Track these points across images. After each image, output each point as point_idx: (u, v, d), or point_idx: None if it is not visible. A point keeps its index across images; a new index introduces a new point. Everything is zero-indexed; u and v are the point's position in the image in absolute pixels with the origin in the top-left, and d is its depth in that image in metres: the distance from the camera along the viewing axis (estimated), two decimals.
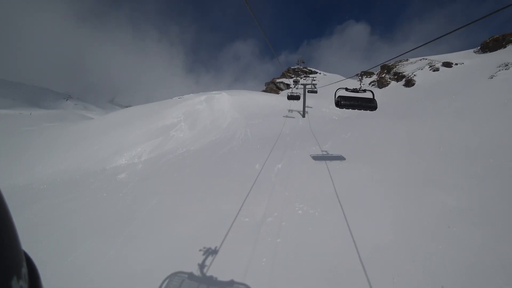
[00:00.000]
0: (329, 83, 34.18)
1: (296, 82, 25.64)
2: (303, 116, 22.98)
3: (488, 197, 6.27)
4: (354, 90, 6.45)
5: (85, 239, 5.90)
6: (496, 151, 9.87)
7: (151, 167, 11.88)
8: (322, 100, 31.40)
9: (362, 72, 6.10)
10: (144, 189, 8.75)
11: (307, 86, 24.55)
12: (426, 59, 41.33)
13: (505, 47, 33.99)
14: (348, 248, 4.78)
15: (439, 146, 11.07)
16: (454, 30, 3.11)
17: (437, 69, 34.57)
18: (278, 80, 61.42)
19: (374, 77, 46.37)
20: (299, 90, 33.89)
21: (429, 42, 3.84)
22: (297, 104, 26.81)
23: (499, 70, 26.11)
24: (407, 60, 44.71)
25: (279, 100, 30.37)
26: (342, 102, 6.08)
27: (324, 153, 10.84)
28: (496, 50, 34.67)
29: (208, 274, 4.31)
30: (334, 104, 6.44)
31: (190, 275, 4.30)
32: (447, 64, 34.67)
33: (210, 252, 4.81)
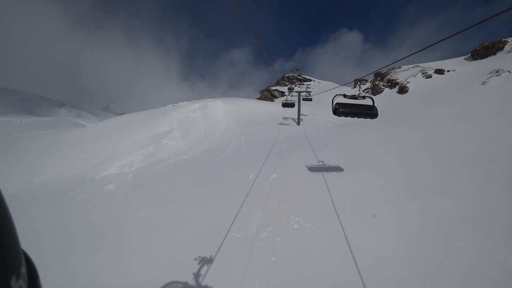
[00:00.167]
0: (324, 90, 34.18)
1: (290, 90, 25.53)
2: (298, 123, 22.80)
3: (490, 205, 6.02)
4: (353, 97, 6.00)
5: (62, 259, 5.48)
6: (494, 156, 9.73)
7: (141, 177, 11.45)
8: (317, 107, 31.34)
9: (360, 78, 5.77)
10: (132, 201, 8.32)
11: (302, 94, 24.43)
12: (418, 66, 41.88)
13: (495, 54, 34.70)
14: (348, 265, 4.44)
15: (437, 152, 10.92)
16: (446, 38, 3.18)
17: (430, 76, 35.01)
18: (272, 88, 61.50)
19: (368, 84, 46.71)
20: (293, 98, 33.89)
21: (421, 50, 3.81)
22: (292, 112, 26.67)
23: (491, 77, 26.50)
24: (399, 67, 45.22)
25: (274, 107, 30.21)
26: (340, 110, 5.65)
27: (320, 162, 10.54)
28: (486, 57, 35.37)
29: None
30: (332, 112, 6.01)
31: None
32: (440, 71, 35.14)
33: (198, 275, 4.41)
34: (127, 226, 6.46)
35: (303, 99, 23.48)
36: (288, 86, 25.14)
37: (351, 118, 24.21)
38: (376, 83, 42.74)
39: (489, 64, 31.00)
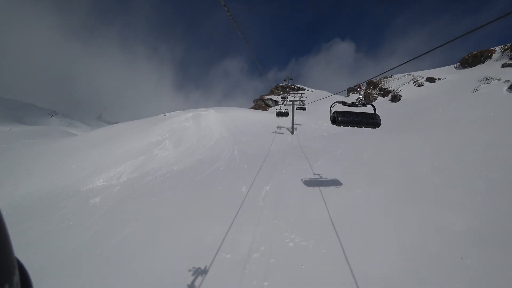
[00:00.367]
0: (317, 99, 34.16)
1: (284, 99, 25.37)
2: (292, 132, 22.53)
3: (496, 217, 5.70)
4: (353, 104, 5.47)
5: (36, 282, 4.94)
6: (493, 164, 9.54)
7: (129, 189, 10.90)
8: (311, 116, 31.19)
9: (361, 84, 5.37)
10: (116, 216, 7.77)
11: (296, 103, 24.29)
12: (410, 75, 42.40)
13: (483, 62, 35.41)
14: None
15: (433, 160, 10.70)
16: (436, 48, 3.23)
17: (422, 84, 35.41)
18: (266, 97, 61.55)
19: (361, 93, 47.07)
20: (287, 107, 33.76)
21: (413, 59, 3.87)
22: (286, 121, 26.45)
23: (481, 84, 26.84)
24: (391, 76, 45.71)
25: (268, 117, 29.97)
26: (339, 119, 5.11)
27: (316, 174, 10.12)
28: (476, 65, 36.06)
29: None
30: (330, 121, 5.43)
31: None
32: (431, 80, 35.61)
33: None
34: (109, 245, 5.93)
35: (297, 108, 23.32)
36: (282, 95, 24.96)
37: (345, 127, 23.93)
38: (369, 91, 43.03)
39: (479, 72, 31.51)
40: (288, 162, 12.73)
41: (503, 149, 11.20)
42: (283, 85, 64.97)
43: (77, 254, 5.81)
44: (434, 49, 3.29)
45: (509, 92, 23.70)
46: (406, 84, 38.02)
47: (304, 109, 23.49)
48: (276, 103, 57.97)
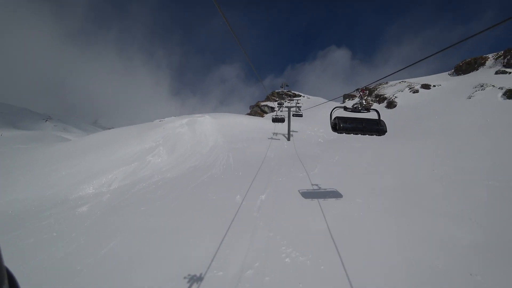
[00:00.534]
0: (313, 105, 34.09)
1: (280, 105, 25.22)
2: (288, 139, 22.28)
3: (502, 229, 5.43)
4: (355, 109, 4.99)
5: None
6: (492, 171, 9.34)
7: (118, 198, 10.47)
8: (307, 122, 31.03)
9: (363, 88, 5.03)
10: (103, 228, 7.33)
11: (292, 109, 24.15)
12: (405, 81, 42.69)
13: (477, 69, 35.86)
14: None
15: (432, 168, 10.48)
16: (431, 56, 3.31)
17: (417, 91, 35.65)
18: (262, 103, 61.46)
19: (357, 100, 47.18)
20: (283, 113, 33.59)
21: (408, 66, 3.94)
22: (282, 127, 26.24)
23: (476, 91, 27.03)
24: (386, 83, 46.00)
25: (264, 123, 29.75)
26: (341, 125, 4.65)
27: (314, 184, 9.75)
28: (469, 72, 36.50)
29: None
30: (331, 128, 4.98)
31: None
32: (426, 86, 35.89)
33: None
34: (91, 260, 5.49)
35: (293, 115, 23.16)
36: (278, 101, 24.80)
37: (341, 134, 23.74)
38: (365, 98, 43.16)
39: (473, 79, 31.80)
40: (284, 169, 12.41)
41: (501, 156, 11.05)
42: (279, 92, 65.06)
43: (58, 270, 5.37)
44: (428, 56, 3.36)
45: (504, 99, 23.87)
46: (402, 91, 38.23)
47: (301, 115, 23.32)
48: (272, 109, 57.89)
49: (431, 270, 4.49)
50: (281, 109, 25.22)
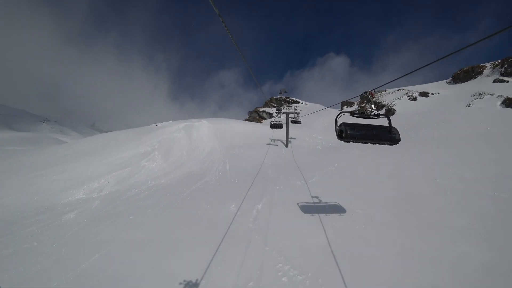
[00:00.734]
0: (311, 112, 33.89)
1: (279, 111, 24.99)
2: (286, 145, 21.95)
3: None
4: (363, 115, 4.47)
5: None
6: (497, 181, 9.05)
7: (108, 205, 10.01)
8: (305, 129, 30.82)
9: (372, 90, 4.62)
10: (87, 238, 6.85)
11: (290, 115, 23.91)
12: (403, 89, 42.78)
13: (475, 78, 36.14)
14: None
15: (434, 178, 10.15)
16: (431, 63, 3.33)
17: (415, 99, 35.73)
18: (261, 109, 61.36)
19: (355, 107, 47.11)
20: (282, 119, 33.36)
21: (407, 74, 3.94)
22: (280, 134, 25.92)
23: (474, 99, 27.07)
24: (385, 90, 46.12)
25: (262, 129, 29.44)
26: (349, 133, 4.15)
27: (313, 195, 9.26)
28: (467, 81, 36.78)
29: None
30: (336, 135, 4.46)
31: None
32: (424, 94, 35.99)
33: None
34: (70, 276, 5.03)
35: (292, 122, 22.89)
36: (276, 107, 24.60)
37: (338, 140, 23.40)
38: (363, 105, 43.17)
39: (471, 87, 31.90)
40: (282, 177, 12.02)
41: (506, 165, 10.77)
42: (278, 98, 65.00)
43: (33, 286, 4.92)
44: (427, 65, 3.38)
45: (503, 107, 23.84)
46: (400, 98, 38.27)
47: (299, 122, 23.06)
48: (270, 115, 57.76)
49: None
50: (279, 115, 24.99)
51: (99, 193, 12.22)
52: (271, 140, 24.33)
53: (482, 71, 36.24)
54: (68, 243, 6.64)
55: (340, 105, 52.67)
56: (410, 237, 5.84)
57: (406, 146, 16.38)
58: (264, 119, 58.26)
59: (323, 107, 56.66)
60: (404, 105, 35.50)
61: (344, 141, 4.27)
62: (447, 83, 41.17)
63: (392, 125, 4.41)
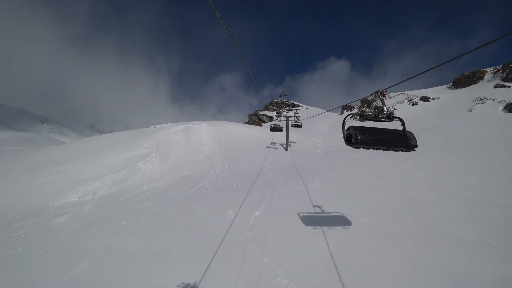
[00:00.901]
0: (311, 116, 33.63)
1: (279, 114, 24.75)
2: (286, 149, 21.63)
3: None
4: (374, 118, 3.96)
5: None
6: (504, 190, 8.72)
7: (101, 208, 9.66)
8: (305, 133, 30.51)
9: (384, 90, 4.22)
10: (75, 244, 6.47)
11: (291, 119, 23.65)
12: (404, 94, 42.57)
13: (476, 83, 35.96)
14: None
15: (439, 184, 9.83)
16: (431, 68, 3.29)
17: (416, 103, 35.54)
18: (261, 113, 61.16)
19: (355, 111, 46.88)
20: (282, 122, 33.14)
21: (408, 79, 3.93)
22: (280, 137, 25.61)
23: (476, 104, 26.81)
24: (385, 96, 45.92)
25: (262, 132, 29.14)
26: (359, 137, 3.64)
27: (314, 201, 8.86)
28: (468, 86, 36.60)
29: None
30: (344, 140, 3.90)
31: None
32: (425, 99, 35.81)
33: None
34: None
35: (292, 125, 22.64)
36: (276, 110, 24.35)
37: (338, 144, 23.34)
38: (363, 109, 42.90)
39: (472, 92, 31.69)
40: (281, 182, 11.68)
41: (509, 171, 10.50)
42: (278, 101, 64.85)
43: None
44: (428, 70, 3.32)
45: (505, 112, 23.58)
46: (401, 103, 38.04)
47: (300, 126, 22.80)
48: (270, 118, 57.56)
49: None
50: (279, 119, 24.75)
51: (93, 196, 11.88)
52: (271, 143, 24.02)
53: (483, 76, 36.10)
54: (55, 250, 6.28)
55: (340, 109, 52.41)
56: (417, 248, 5.50)
57: (409, 152, 16.06)
58: (264, 122, 58.04)
59: (323, 111, 56.43)
60: (405, 109, 35.28)
61: (353, 147, 3.80)
62: (447, 88, 41.03)
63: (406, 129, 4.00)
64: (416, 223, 6.71)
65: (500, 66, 34.26)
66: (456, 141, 17.97)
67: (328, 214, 7.33)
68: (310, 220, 6.94)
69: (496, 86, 30.92)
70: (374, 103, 42.92)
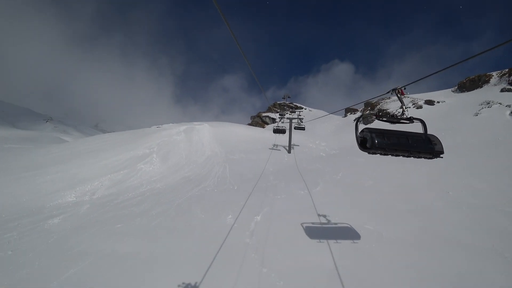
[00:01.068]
0: (314, 118, 33.30)
1: (282, 116, 24.48)
2: (289, 151, 21.30)
3: None
4: (392, 118, 3.55)
5: None
6: (511, 196, 8.37)
7: (97, 210, 9.39)
8: (308, 135, 30.17)
9: (402, 87, 3.80)
10: (67, 248, 6.16)
11: (294, 121, 23.34)
12: (408, 97, 42.07)
13: (481, 87, 35.43)
14: None
15: (447, 190, 9.46)
16: (436, 72, 3.11)
17: (421, 107, 35.10)
18: (264, 114, 60.87)
19: (359, 114, 46.43)
20: (285, 124, 32.84)
21: (413, 82, 3.60)
22: (283, 139, 25.29)
23: (482, 108, 26.35)
24: (389, 98, 45.40)
25: (264, 134, 28.84)
26: (376, 141, 3.17)
27: (317, 206, 8.44)
28: (473, 89, 36.06)
29: None
30: (358, 145, 3.41)
31: None
32: (430, 102, 35.39)
33: None
34: None
35: (295, 128, 22.33)
36: (279, 112, 24.08)
37: (347, 145, 23.04)
38: (367, 112, 42.50)
39: (478, 96, 31.26)
40: (283, 185, 11.36)
41: None
42: (281, 103, 64.55)
43: None
44: (433, 73, 3.14)
45: None
46: (405, 106, 37.65)
47: (303, 128, 22.48)
48: (273, 120, 57.25)
49: None
50: (282, 121, 24.48)
51: (91, 196, 11.63)
52: (274, 145, 23.71)
53: (489, 80, 35.60)
54: (46, 253, 6.01)
55: (344, 111, 52.00)
56: (427, 258, 5.17)
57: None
58: (267, 124, 57.72)
59: (327, 113, 56.05)
60: (410, 113, 34.70)
61: (369, 153, 3.29)
62: (452, 91, 40.52)
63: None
64: (424, 231, 6.37)
65: (507, 70, 33.75)
66: (462, 145, 17.56)
67: (332, 221, 6.99)
68: (313, 227, 6.61)
69: (502, 90, 30.43)
70: (378, 106, 42.49)
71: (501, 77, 34.02)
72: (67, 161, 16.39)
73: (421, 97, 39.24)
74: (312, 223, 6.90)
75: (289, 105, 63.61)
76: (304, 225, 6.73)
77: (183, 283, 4.45)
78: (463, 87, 38.28)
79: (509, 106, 24.89)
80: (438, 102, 34.92)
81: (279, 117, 24.75)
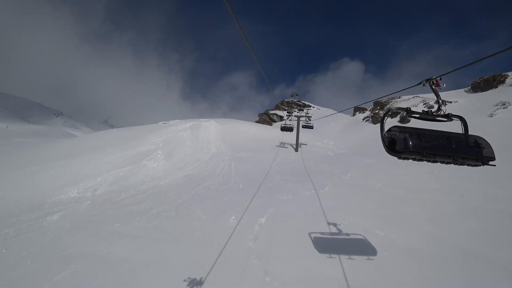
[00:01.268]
0: (323, 116, 32.68)
1: (289, 114, 24.03)
2: (296, 150, 20.85)
3: None
4: (427, 116, 2.91)
5: None
6: None
7: (98, 207, 9.17)
8: (316, 134, 29.60)
9: (438, 78, 3.22)
10: (62, 247, 5.91)
11: (302, 119, 22.85)
12: (418, 96, 41.07)
13: (496, 87, 34.20)
14: None
15: (463, 194, 8.91)
16: (449, 72, 3.05)
17: (432, 107, 34.08)
18: (271, 112, 60.34)
19: (368, 113, 45.46)
20: (292, 122, 32.32)
21: (449, 72, 3.30)
22: (290, 137, 24.81)
23: (497, 109, 25.39)
24: (399, 97, 44.29)
25: (271, 132, 28.41)
26: (411, 143, 2.55)
27: (325, 209, 7.98)
28: (488, 90, 34.86)
29: None
30: (384, 147, 2.82)
31: None
32: (442, 102, 34.36)
33: None
34: None
35: (303, 126, 21.85)
36: (287, 110, 23.68)
37: (356, 145, 22.40)
38: (376, 111, 41.53)
39: (492, 96, 30.22)
40: (290, 185, 10.96)
41: None
42: (289, 101, 63.86)
43: None
44: (448, 72, 3.05)
45: None
46: (416, 106, 36.62)
47: (311, 127, 21.98)
48: (281, 118, 56.68)
49: None
50: (290, 118, 24.03)
51: (93, 192, 11.45)
52: (281, 143, 23.29)
53: (504, 80, 34.36)
54: (39, 253, 5.77)
55: (352, 110, 51.03)
56: (443, 271, 4.73)
57: None
58: (275, 121, 57.19)
59: (335, 111, 55.09)
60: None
61: (399, 157, 2.65)
62: (465, 91, 39.30)
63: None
64: (440, 239, 5.91)
65: None
66: None
67: (341, 226, 6.56)
68: (321, 233, 6.19)
69: None
70: (387, 106, 41.54)
71: None
72: (72, 156, 16.30)
73: (432, 97, 38.17)
74: (320, 228, 6.48)
75: (297, 103, 62.89)
76: (311, 231, 6.32)
77: None
78: (477, 87, 37.10)
79: None
80: (450, 102, 33.90)
81: (286, 115, 24.31)
